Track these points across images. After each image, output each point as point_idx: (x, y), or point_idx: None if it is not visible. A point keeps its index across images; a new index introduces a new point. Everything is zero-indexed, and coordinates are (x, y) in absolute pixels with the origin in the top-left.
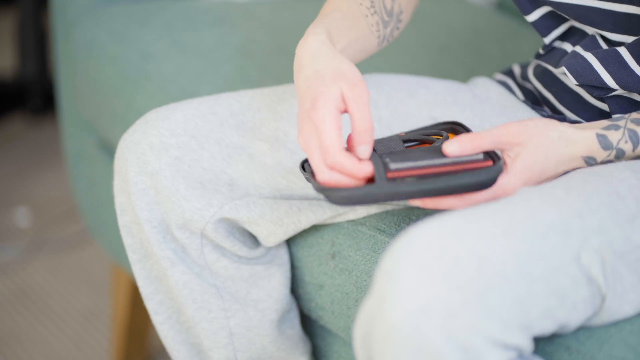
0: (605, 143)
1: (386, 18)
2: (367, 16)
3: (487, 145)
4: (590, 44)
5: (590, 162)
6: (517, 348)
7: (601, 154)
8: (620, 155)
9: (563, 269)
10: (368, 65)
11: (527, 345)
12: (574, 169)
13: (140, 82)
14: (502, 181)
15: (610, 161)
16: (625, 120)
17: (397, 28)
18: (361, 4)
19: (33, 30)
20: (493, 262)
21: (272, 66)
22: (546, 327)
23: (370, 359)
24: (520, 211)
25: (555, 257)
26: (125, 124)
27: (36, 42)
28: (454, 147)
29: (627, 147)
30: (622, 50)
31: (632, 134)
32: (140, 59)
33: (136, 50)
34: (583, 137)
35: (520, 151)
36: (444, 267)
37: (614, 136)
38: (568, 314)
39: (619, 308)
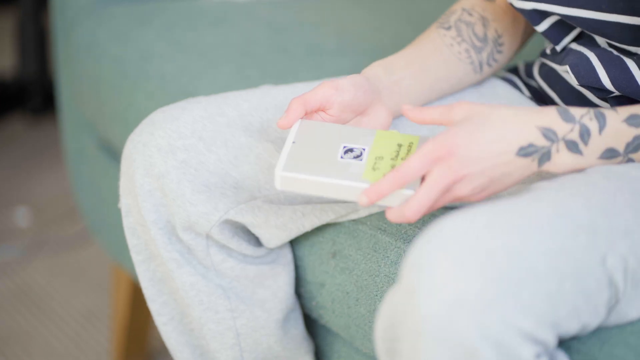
0: (566, 115)
1: (478, 44)
2: (452, 45)
3: (437, 116)
4: (600, 50)
5: (548, 135)
6: (545, 344)
7: (562, 127)
8: (584, 134)
9: (590, 269)
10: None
11: (553, 343)
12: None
13: (140, 82)
14: (441, 136)
15: (574, 143)
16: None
17: (499, 52)
18: (445, 35)
19: (33, 30)
20: (525, 256)
21: (272, 66)
22: (571, 327)
23: (392, 351)
24: (546, 206)
25: (584, 257)
26: (126, 124)
27: (36, 42)
28: (413, 110)
29: (592, 125)
30: (629, 62)
31: (599, 114)
32: (140, 59)
33: (136, 50)
34: (541, 109)
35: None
36: (477, 260)
37: (576, 111)
38: (590, 316)
39: (626, 314)
